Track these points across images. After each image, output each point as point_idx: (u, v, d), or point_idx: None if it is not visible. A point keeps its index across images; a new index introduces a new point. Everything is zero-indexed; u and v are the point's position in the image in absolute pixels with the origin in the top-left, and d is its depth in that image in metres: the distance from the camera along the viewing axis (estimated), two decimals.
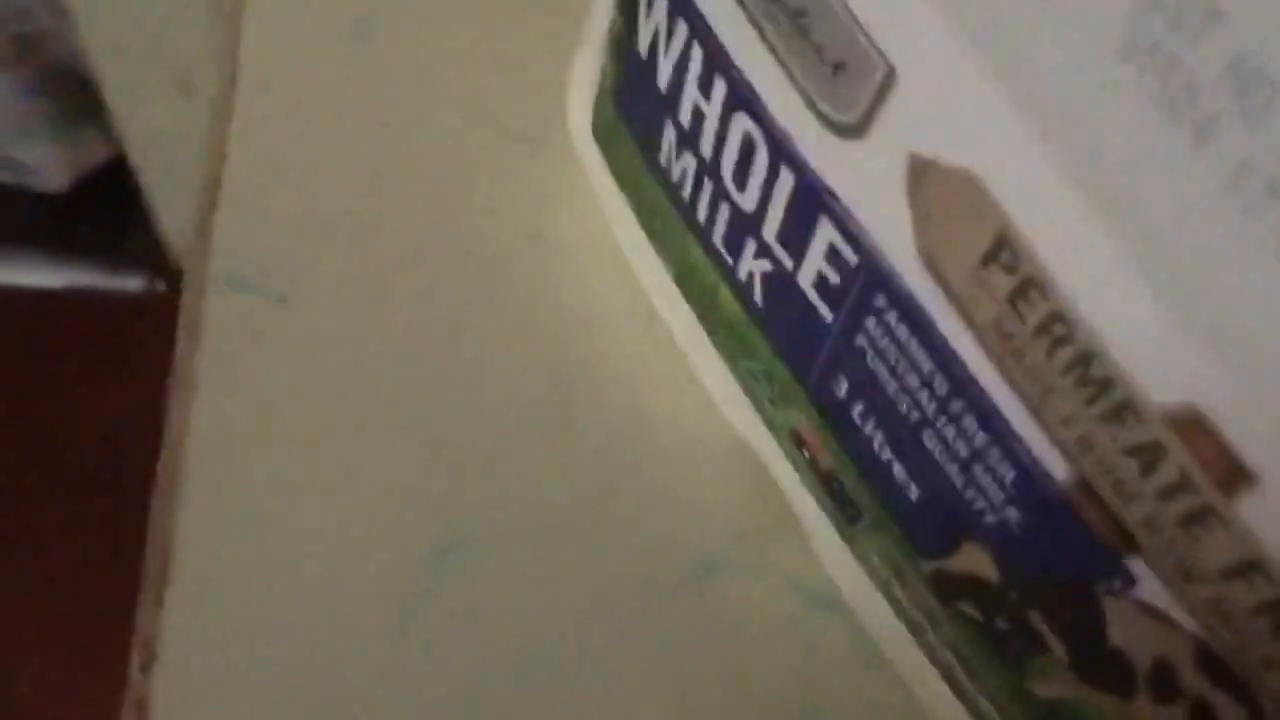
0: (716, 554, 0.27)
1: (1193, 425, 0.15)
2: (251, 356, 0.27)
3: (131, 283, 0.92)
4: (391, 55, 0.31)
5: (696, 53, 0.21)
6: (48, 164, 0.84)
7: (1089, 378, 0.16)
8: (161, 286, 0.92)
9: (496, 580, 0.26)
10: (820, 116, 0.19)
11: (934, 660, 0.23)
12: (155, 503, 0.26)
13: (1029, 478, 0.18)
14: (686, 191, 0.24)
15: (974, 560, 0.20)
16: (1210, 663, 0.17)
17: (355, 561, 0.26)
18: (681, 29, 0.22)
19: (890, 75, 0.17)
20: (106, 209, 0.89)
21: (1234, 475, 0.15)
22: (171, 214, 0.83)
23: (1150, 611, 0.17)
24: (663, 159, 0.24)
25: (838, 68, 0.18)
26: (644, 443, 0.27)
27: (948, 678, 0.23)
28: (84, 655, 0.88)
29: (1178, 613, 0.17)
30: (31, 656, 0.88)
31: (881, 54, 0.17)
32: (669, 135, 0.23)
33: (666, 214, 0.25)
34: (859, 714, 0.25)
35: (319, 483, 0.27)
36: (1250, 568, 0.15)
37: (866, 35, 0.17)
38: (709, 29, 0.21)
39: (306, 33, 0.31)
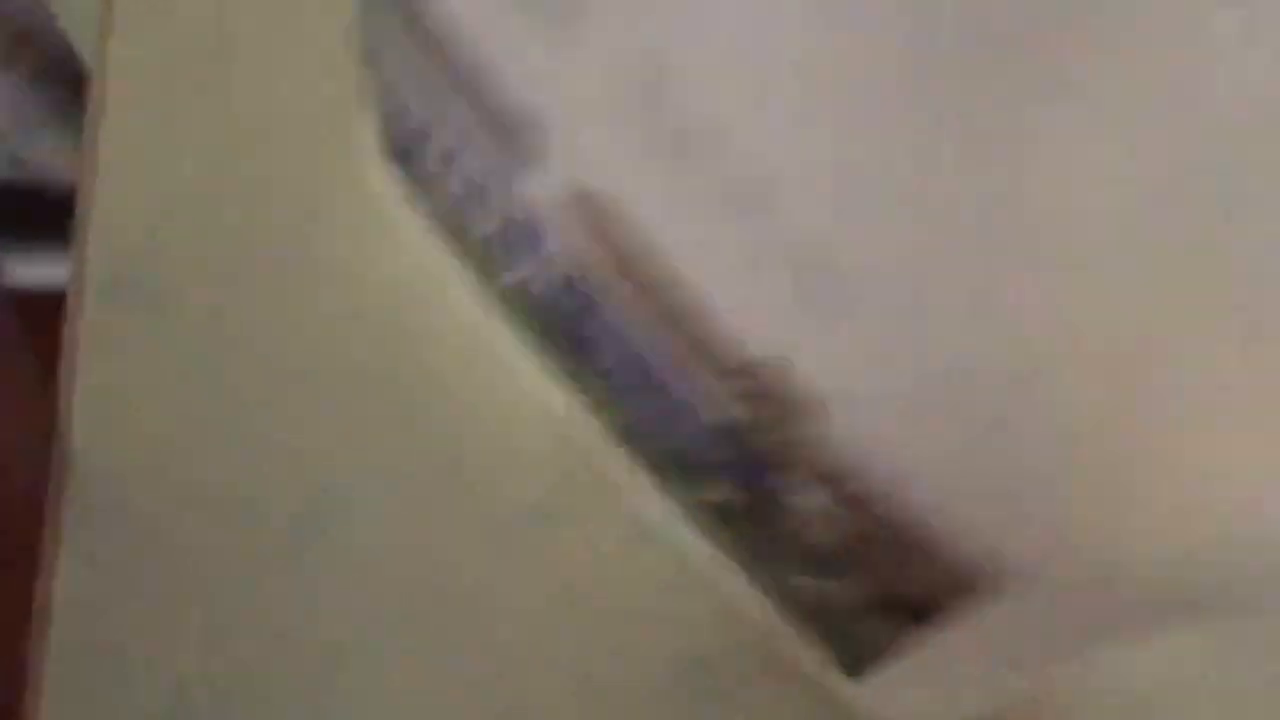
0: (545, 502, 0.31)
1: (768, 367, 0.19)
2: (124, 352, 0.31)
3: None
4: (250, 71, 0.34)
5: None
6: (57, 160, 0.81)
7: (684, 329, 0.20)
8: None
9: (354, 534, 0.30)
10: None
11: (736, 568, 0.28)
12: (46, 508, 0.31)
13: (690, 422, 0.22)
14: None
15: (720, 491, 0.24)
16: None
17: (230, 519, 0.30)
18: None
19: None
20: None
21: (810, 406, 0.19)
22: None
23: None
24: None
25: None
26: (474, 411, 0.31)
27: (748, 578, 0.28)
28: None
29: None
30: None
31: None
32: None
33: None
34: (675, 628, 0.30)
35: (193, 455, 0.31)
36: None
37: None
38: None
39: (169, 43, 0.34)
